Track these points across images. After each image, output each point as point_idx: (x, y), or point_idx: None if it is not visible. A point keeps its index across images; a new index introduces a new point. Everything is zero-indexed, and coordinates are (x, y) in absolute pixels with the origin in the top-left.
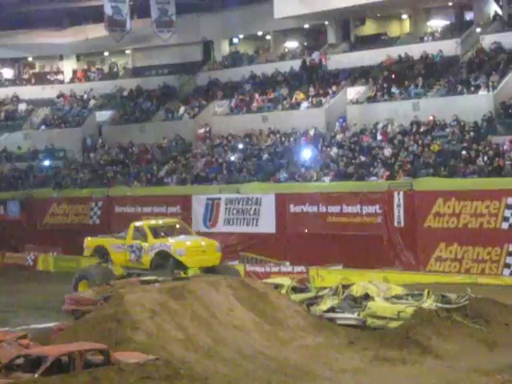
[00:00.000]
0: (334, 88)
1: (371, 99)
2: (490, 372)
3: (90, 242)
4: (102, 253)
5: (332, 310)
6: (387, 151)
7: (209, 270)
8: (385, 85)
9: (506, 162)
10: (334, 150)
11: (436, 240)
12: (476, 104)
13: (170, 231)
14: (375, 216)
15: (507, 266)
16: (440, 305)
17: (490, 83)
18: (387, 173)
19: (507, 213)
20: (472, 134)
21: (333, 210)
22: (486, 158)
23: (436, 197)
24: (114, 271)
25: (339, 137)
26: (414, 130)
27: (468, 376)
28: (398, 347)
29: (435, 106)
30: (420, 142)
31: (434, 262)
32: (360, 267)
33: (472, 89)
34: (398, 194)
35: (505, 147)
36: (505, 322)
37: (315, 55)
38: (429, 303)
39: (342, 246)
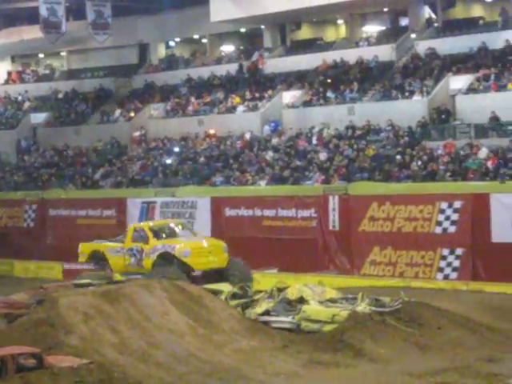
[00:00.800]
0: (269, 92)
1: (307, 103)
2: (422, 375)
3: (84, 247)
4: (98, 258)
5: (267, 313)
6: (322, 155)
7: (217, 272)
8: (320, 89)
9: (440, 167)
10: (270, 154)
11: (370, 244)
12: (410, 109)
13: (173, 233)
14: (310, 220)
15: (440, 269)
16: (374, 308)
17: (425, 88)
18: (322, 177)
19: (440, 217)
20: (406, 138)
21: (268, 213)
22: (420, 163)
23: (370, 201)
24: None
25: (275, 141)
26: (349, 134)
27: (401, 379)
28: (331, 351)
29: (370, 111)
30: (355, 146)
31: (369, 265)
32: (295, 271)
33: (406, 94)
34: (333, 198)
35: (438, 152)
36: (437, 325)
37: (255, 57)
38: (363, 307)
39: (277, 250)
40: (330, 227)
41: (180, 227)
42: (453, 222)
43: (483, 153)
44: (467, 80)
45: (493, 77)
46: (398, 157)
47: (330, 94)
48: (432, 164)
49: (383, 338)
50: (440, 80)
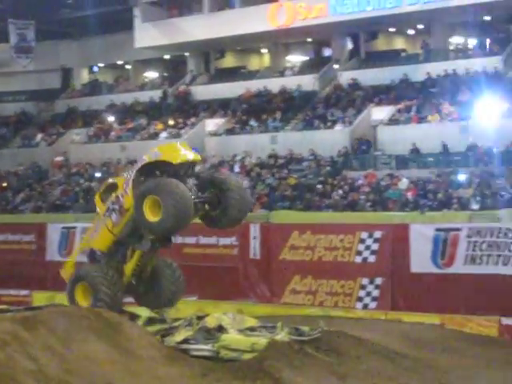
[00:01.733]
0: (193, 119)
1: (230, 131)
2: None
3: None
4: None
5: (186, 341)
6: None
7: None
8: (243, 117)
9: (361, 197)
10: (192, 181)
11: (291, 273)
12: (332, 139)
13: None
14: (231, 248)
15: (360, 299)
16: (293, 337)
17: (347, 119)
18: None
19: (360, 247)
20: (328, 168)
21: (189, 240)
22: (341, 193)
23: (291, 230)
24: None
25: (197, 168)
26: (271, 162)
27: None
28: (250, 379)
29: (293, 140)
30: (277, 175)
31: (289, 294)
32: (216, 298)
33: (329, 124)
34: (255, 226)
35: (359, 182)
36: (356, 354)
37: (181, 84)
38: (282, 335)
39: (198, 277)
40: (251, 255)
41: None
42: (373, 252)
43: (403, 183)
44: (389, 111)
45: (414, 108)
46: (320, 186)
47: (252, 122)
48: (353, 194)
49: (302, 367)
50: (362, 111)
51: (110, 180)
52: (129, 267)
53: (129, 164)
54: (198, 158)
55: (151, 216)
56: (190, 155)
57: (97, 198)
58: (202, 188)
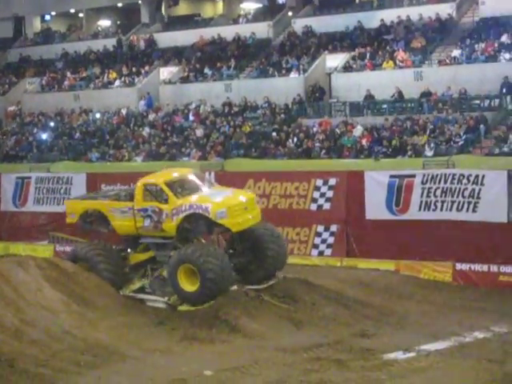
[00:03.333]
0: (146, 68)
1: (184, 80)
2: (296, 350)
3: (73, 205)
4: (95, 219)
5: (142, 290)
6: (199, 132)
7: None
8: (198, 66)
9: (315, 144)
10: (146, 130)
11: None
12: (287, 87)
13: (192, 187)
14: None
15: (315, 246)
16: (249, 285)
17: (301, 66)
18: (199, 153)
19: (316, 194)
20: (283, 116)
21: None
22: (295, 140)
23: (247, 178)
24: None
25: (151, 117)
26: (226, 111)
27: (275, 354)
28: (207, 327)
29: (247, 88)
30: (232, 123)
31: None
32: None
33: (283, 71)
34: (210, 174)
35: (314, 129)
36: (312, 301)
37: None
38: (238, 284)
39: None
40: None
41: (192, 177)
42: (328, 199)
43: (358, 131)
44: (343, 58)
45: (368, 55)
46: (274, 134)
47: (207, 70)
48: (308, 141)
49: (258, 314)
50: (316, 58)
51: (162, 183)
52: (135, 257)
53: (83, 113)
54: (258, 220)
55: (186, 284)
56: (252, 220)
57: (163, 186)
58: (239, 240)
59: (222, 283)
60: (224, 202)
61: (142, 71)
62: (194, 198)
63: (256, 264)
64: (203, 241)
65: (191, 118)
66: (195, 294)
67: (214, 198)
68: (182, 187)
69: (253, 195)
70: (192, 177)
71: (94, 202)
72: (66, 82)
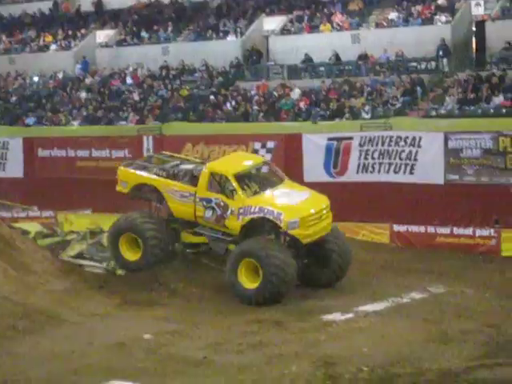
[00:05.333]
0: (83, 31)
1: (120, 43)
2: (235, 313)
3: (126, 174)
4: (148, 195)
5: (80, 255)
6: (136, 95)
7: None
8: (134, 29)
9: (253, 108)
10: (83, 94)
11: None
12: (224, 50)
13: (261, 179)
14: (125, 160)
15: None
16: (188, 249)
17: (238, 29)
18: (136, 117)
19: None
20: (220, 79)
21: (82, 154)
22: (233, 103)
23: (185, 141)
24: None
25: (88, 80)
26: (163, 74)
27: (215, 317)
28: (146, 291)
29: (184, 51)
30: (169, 86)
31: None
32: (109, 212)
33: (221, 34)
34: (148, 138)
35: (252, 93)
36: None
37: None
38: (177, 247)
39: (91, 191)
40: None
41: (265, 168)
42: None
43: (296, 94)
44: (280, 21)
45: (305, 18)
46: (212, 97)
47: (143, 33)
48: (245, 104)
49: (197, 278)
50: (253, 21)
51: (231, 176)
52: (187, 237)
53: (18, 77)
54: (329, 230)
55: (246, 281)
56: (323, 230)
57: (233, 179)
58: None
59: (286, 281)
60: (298, 210)
61: (78, 34)
62: (265, 198)
63: (318, 267)
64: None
65: (128, 81)
66: (256, 292)
67: (287, 203)
68: (252, 181)
69: (327, 202)
70: (264, 169)
71: (151, 178)
72: (1, 46)
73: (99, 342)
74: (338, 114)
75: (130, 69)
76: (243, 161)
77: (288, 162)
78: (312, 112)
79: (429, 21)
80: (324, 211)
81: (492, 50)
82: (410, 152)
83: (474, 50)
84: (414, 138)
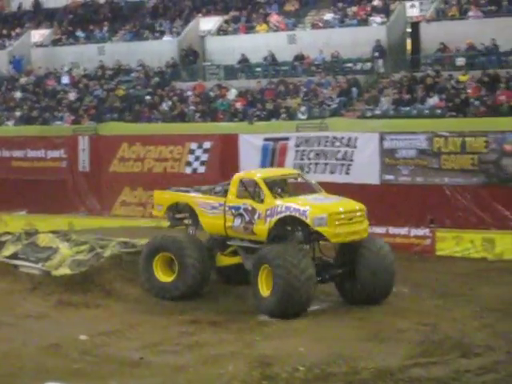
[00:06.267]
0: (17, 30)
1: (56, 42)
2: (172, 313)
3: (161, 196)
4: (182, 213)
5: (15, 256)
6: (72, 95)
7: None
8: (70, 28)
9: (190, 108)
10: (18, 94)
11: (121, 185)
12: (160, 50)
13: (294, 188)
14: (60, 161)
15: None
16: (124, 249)
17: (175, 29)
18: (72, 117)
19: (190, 158)
20: (156, 79)
21: (17, 154)
22: (170, 104)
23: (121, 141)
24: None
25: (23, 80)
26: (99, 74)
27: (151, 318)
28: (81, 292)
29: (120, 51)
30: (105, 86)
31: (119, 206)
32: (45, 212)
33: (157, 34)
34: (83, 138)
35: (188, 93)
36: None
37: None
38: (113, 248)
39: (27, 192)
40: (80, 168)
41: (299, 180)
42: (202, 163)
43: (232, 94)
44: (217, 21)
45: (242, 19)
46: (148, 97)
47: (79, 33)
48: (182, 105)
49: (134, 279)
50: (190, 21)
51: (260, 180)
52: (222, 259)
53: None
54: (364, 235)
55: (264, 288)
56: (356, 234)
57: (261, 183)
58: (341, 250)
59: (296, 292)
60: (326, 207)
61: (13, 34)
62: (293, 199)
63: (352, 282)
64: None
65: (64, 81)
66: (267, 301)
67: (315, 203)
68: (282, 189)
69: (363, 206)
70: (297, 179)
71: (183, 195)
72: None
73: (34, 344)
74: (274, 114)
75: (66, 68)
76: (274, 171)
77: (224, 163)
78: (248, 112)
79: (364, 22)
80: (357, 213)
81: (427, 51)
82: (346, 152)
83: (409, 51)
84: (349, 139)
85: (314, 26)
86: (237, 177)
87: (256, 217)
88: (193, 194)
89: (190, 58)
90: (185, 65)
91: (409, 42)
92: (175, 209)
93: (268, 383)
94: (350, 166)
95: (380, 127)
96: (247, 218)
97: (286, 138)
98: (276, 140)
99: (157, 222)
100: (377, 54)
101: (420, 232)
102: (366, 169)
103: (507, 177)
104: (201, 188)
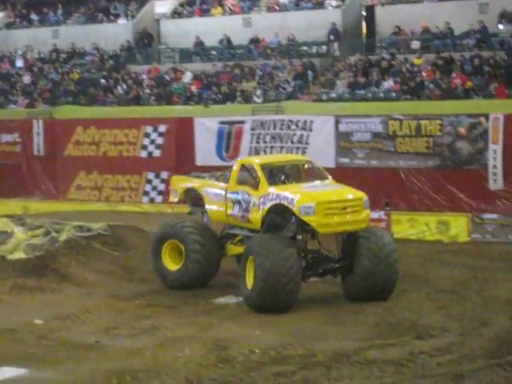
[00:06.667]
0: None
1: (10, 26)
2: (128, 297)
3: (176, 182)
4: (196, 200)
5: None
6: (26, 79)
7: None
8: (24, 11)
9: (145, 91)
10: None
11: (76, 168)
12: (115, 33)
13: (295, 175)
14: (14, 145)
15: (146, 193)
16: (79, 233)
17: (129, 12)
18: (26, 101)
19: (146, 141)
20: (111, 62)
21: None
22: (125, 87)
23: (75, 125)
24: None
25: None
26: (53, 57)
27: (106, 302)
28: (37, 276)
29: (75, 34)
30: (60, 69)
31: (74, 190)
32: (0, 196)
33: (111, 17)
34: (38, 122)
35: (144, 76)
36: (143, 248)
37: None
38: (68, 232)
39: None
40: (35, 152)
41: (305, 166)
42: (158, 146)
43: (187, 77)
44: (172, 4)
45: (197, 2)
46: (103, 81)
47: (33, 16)
48: (137, 88)
49: (89, 263)
50: (145, 4)
51: (257, 165)
52: (231, 248)
53: None
54: (360, 226)
55: (250, 280)
56: (349, 225)
57: (258, 168)
58: (342, 242)
59: (278, 285)
60: (316, 195)
61: None
62: (287, 187)
63: (352, 277)
64: None
65: (18, 64)
66: (250, 293)
67: (307, 191)
68: (284, 175)
69: (361, 195)
70: (305, 167)
71: (193, 180)
72: None
73: None
74: (230, 97)
75: (20, 52)
76: (280, 157)
77: (180, 146)
78: (204, 96)
79: (320, 5)
80: (352, 203)
81: (382, 35)
82: (302, 136)
83: (365, 35)
84: (305, 122)
85: (270, 9)
86: (239, 162)
87: (251, 204)
88: (203, 181)
89: (145, 42)
90: (140, 48)
91: (364, 25)
92: (194, 195)
93: (224, 366)
94: (306, 149)
95: (335, 110)
96: (244, 206)
97: (242, 122)
98: (231, 123)
99: (112, 206)
100: (332, 37)
101: (375, 215)
102: (322, 152)
103: (461, 160)
104: (215, 174)
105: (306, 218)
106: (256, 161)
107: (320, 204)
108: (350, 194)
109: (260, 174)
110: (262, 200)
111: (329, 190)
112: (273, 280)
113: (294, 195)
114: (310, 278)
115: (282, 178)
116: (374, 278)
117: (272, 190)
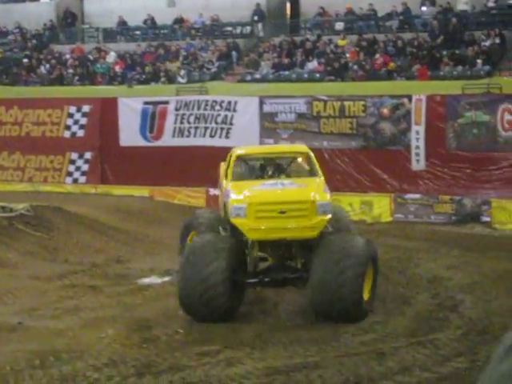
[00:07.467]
0: None
1: None
2: (51, 278)
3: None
4: None
5: None
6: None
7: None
8: None
9: (68, 71)
10: None
11: None
12: (38, 12)
13: (284, 169)
14: None
15: (69, 174)
16: (2, 214)
17: None
18: None
19: (69, 121)
20: (34, 41)
21: None
22: (48, 67)
23: None
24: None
25: None
26: None
27: (30, 283)
28: None
29: None
30: None
31: None
32: None
33: None
34: None
35: (67, 56)
36: (66, 228)
37: None
38: None
39: None
40: None
41: (299, 161)
42: (81, 127)
43: (111, 57)
44: None
45: None
46: (26, 60)
47: None
48: (60, 68)
49: (12, 243)
50: None
51: (234, 156)
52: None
53: None
54: (308, 234)
55: None
56: (288, 232)
57: (232, 160)
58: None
59: (192, 292)
60: (250, 196)
61: None
62: (241, 184)
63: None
64: None
65: None
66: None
67: (251, 190)
68: (279, 168)
69: (308, 198)
70: (296, 160)
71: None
72: None
73: None
74: (154, 77)
75: None
76: (271, 147)
77: (104, 127)
78: (128, 76)
79: None
80: (294, 206)
81: (306, 16)
82: (226, 116)
83: (289, 16)
84: (229, 103)
85: None
86: (232, 151)
87: (222, 199)
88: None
89: (68, 21)
90: (63, 27)
91: (288, 6)
92: None
93: (148, 346)
94: (230, 129)
95: (260, 91)
96: (220, 200)
97: (166, 102)
98: (156, 104)
99: (35, 186)
100: (256, 17)
101: None
102: (246, 133)
103: (384, 140)
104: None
105: (234, 221)
106: (238, 151)
107: (251, 205)
108: (297, 196)
109: (231, 166)
110: (224, 196)
111: (271, 189)
112: (189, 288)
113: (234, 194)
114: (256, 287)
115: (270, 172)
116: (324, 294)
117: (229, 185)
